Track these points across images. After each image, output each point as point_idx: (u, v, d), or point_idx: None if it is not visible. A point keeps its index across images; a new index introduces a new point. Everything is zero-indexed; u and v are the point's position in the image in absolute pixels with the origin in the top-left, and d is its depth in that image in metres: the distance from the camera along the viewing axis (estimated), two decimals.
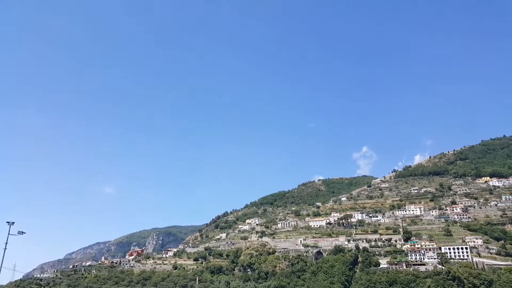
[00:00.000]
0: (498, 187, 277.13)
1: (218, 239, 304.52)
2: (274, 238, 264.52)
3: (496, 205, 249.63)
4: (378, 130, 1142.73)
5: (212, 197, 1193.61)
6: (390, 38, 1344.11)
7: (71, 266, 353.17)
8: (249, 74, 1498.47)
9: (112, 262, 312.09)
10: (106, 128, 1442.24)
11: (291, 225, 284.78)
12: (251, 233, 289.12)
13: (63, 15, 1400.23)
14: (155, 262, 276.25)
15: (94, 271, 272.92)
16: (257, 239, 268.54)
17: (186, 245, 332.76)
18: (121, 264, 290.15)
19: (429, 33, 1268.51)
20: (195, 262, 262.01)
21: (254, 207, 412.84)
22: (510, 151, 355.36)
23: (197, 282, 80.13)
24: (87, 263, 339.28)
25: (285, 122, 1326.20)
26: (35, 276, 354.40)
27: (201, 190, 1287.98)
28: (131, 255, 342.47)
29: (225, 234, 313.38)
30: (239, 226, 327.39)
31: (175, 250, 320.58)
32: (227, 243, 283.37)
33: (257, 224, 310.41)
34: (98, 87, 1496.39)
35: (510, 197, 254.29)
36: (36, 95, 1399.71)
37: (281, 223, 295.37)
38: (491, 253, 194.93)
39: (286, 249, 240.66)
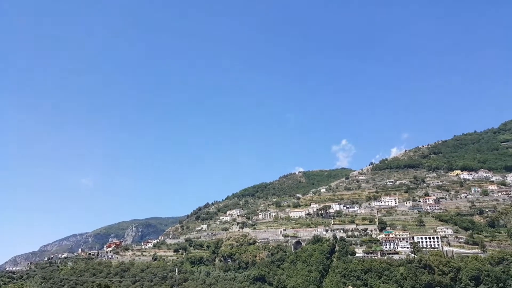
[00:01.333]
0: (468, 180, 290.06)
1: (199, 230, 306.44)
2: (255, 229, 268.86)
3: (466, 197, 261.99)
4: (358, 123, 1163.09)
5: (193, 189, 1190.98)
6: (370, 33, 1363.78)
7: (46, 258, 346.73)
8: (231, 66, 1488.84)
9: (90, 254, 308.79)
10: (83, 117, 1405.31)
11: (272, 216, 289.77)
12: (232, 224, 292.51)
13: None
14: (134, 253, 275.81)
15: (71, 263, 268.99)
16: (238, 230, 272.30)
17: (166, 237, 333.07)
18: (99, 256, 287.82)
19: (409, 31, 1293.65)
20: (175, 253, 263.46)
21: (236, 199, 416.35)
22: (480, 146, 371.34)
23: (176, 273, 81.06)
24: (63, 255, 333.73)
25: (267, 114, 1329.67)
26: (8, 269, 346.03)
27: (182, 181, 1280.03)
28: (109, 246, 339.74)
29: (206, 225, 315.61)
30: (220, 217, 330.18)
31: (155, 241, 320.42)
32: (208, 234, 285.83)
33: (238, 215, 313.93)
34: (76, 75, 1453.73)
35: (479, 189, 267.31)
36: (9, 82, 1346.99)
37: (262, 214, 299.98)
38: (460, 242, 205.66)
39: (266, 240, 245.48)
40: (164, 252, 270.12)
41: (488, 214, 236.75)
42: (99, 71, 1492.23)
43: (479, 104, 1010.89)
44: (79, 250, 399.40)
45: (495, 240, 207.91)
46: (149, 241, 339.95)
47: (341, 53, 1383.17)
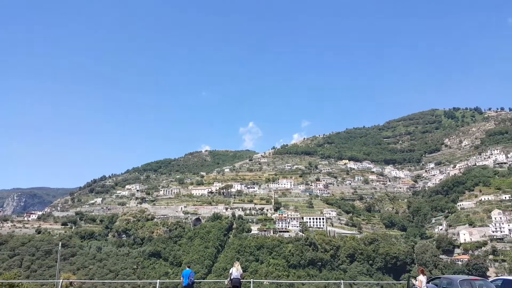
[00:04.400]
0: (354, 169, 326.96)
1: (93, 204, 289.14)
2: (154, 204, 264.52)
3: (350, 184, 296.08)
4: (266, 108, 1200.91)
5: (89, 159, 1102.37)
6: (287, 19, 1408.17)
7: None
8: (148, 37, 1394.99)
9: None
10: None
11: (174, 192, 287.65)
12: (130, 199, 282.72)
13: None
14: (15, 225, 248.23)
15: None
16: (136, 206, 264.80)
17: (53, 209, 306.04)
18: None
19: (313, 27, 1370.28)
20: (63, 226, 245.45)
21: (136, 173, 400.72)
22: (366, 140, 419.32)
23: (60, 247, 74.64)
24: None
25: (178, 89, 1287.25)
26: None
27: (76, 150, 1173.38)
28: None
29: (101, 199, 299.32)
30: (118, 192, 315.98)
31: (40, 213, 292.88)
32: (102, 208, 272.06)
33: (137, 190, 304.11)
34: None
35: (361, 178, 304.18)
36: None
37: (164, 190, 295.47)
38: (341, 224, 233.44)
39: (165, 216, 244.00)
40: (50, 225, 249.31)
41: (366, 200, 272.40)
42: None
43: (370, 102, 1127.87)
44: None
45: (370, 223, 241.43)
46: (33, 212, 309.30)
47: (259, 37, 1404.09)
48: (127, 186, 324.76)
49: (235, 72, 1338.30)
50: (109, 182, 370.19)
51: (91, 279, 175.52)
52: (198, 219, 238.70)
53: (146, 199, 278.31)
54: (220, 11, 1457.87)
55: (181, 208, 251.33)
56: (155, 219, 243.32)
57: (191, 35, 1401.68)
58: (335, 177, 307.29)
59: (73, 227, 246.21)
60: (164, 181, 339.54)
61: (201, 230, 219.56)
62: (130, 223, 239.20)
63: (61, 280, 36.20)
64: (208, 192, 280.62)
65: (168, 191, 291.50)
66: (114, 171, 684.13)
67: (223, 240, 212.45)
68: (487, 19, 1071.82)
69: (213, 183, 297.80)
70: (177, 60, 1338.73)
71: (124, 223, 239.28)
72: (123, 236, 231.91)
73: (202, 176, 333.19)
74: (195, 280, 27.74)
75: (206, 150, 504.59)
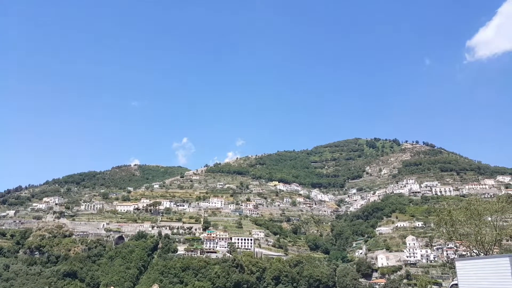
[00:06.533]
0: (283, 190, 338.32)
1: (4, 216, 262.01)
2: (74, 220, 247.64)
3: (279, 205, 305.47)
4: (201, 123, 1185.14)
5: (4, 167, 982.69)
6: (224, 35, 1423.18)
7: None
8: (73, 39, 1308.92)
9: None
10: None
11: (96, 208, 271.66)
12: (47, 213, 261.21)
13: None
14: None
15: None
16: (54, 220, 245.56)
17: None
18: None
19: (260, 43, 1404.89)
20: None
21: (57, 185, 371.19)
22: (295, 163, 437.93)
23: None
24: None
25: (106, 98, 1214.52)
26: None
27: None
28: None
29: (14, 211, 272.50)
30: (34, 204, 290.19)
31: None
32: (14, 221, 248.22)
33: (56, 204, 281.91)
34: None
35: (290, 200, 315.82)
36: None
37: (85, 205, 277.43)
38: (268, 245, 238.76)
39: (85, 233, 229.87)
40: None
41: (293, 222, 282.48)
42: None
43: (299, 128, 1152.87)
44: None
45: (296, 245, 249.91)
46: None
47: (202, 50, 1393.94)
48: (44, 199, 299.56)
49: (171, 84, 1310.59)
50: (25, 193, 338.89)
51: None
52: (121, 237, 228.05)
53: (65, 213, 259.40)
54: (158, 18, 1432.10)
55: (103, 225, 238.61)
56: (74, 236, 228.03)
57: (121, 38, 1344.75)
58: (265, 198, 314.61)
59: None
60: (87, 195, 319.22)
61: (124, 249, 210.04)
62: (45, 239, 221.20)
63: None
64: (134, 209, 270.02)
65: (90, 206, 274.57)
66: (32, 181, 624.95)
67: (147, 261, 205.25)
68: (407, 57, 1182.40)
69: (140, 199, 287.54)
70: (106, 67, 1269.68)
71: (38, 239, 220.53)
72: (36, 253, 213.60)
73: (129, 192, 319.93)
74: None
75: (135, 164, 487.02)
